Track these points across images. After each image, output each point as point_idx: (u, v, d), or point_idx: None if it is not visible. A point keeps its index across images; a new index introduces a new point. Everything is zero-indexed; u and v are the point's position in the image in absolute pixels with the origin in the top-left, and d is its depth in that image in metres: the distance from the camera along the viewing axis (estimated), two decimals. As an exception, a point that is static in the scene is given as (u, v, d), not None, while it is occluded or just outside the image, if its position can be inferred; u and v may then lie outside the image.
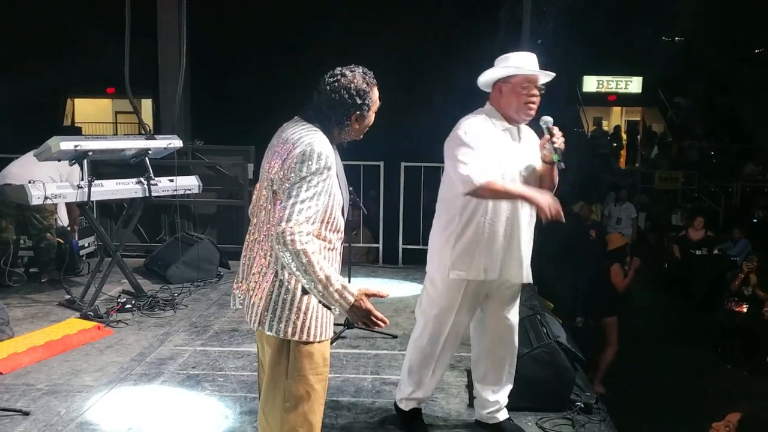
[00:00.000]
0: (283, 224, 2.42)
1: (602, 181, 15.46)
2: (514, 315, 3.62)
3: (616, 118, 25.55)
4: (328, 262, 2.61)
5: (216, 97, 13.66)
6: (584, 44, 18.43)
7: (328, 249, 2.62)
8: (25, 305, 6.09)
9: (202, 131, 9.53)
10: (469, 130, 3.26)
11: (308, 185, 2.46)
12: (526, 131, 3.47)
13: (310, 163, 2.47)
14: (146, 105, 18.42)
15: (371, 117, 2.71)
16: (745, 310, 9.01)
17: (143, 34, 8.48)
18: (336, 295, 2.45)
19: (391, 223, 8.29)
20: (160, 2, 8.59)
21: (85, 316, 5.55)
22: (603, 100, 23.57)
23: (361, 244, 8.50)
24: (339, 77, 2.62)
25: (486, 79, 3.40)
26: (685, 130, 20.66)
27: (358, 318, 2.52)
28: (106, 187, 5.96)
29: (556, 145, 3.25)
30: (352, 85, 2.61)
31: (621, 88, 23.22)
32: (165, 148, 6.35)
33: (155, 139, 6.31)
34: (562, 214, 3.10)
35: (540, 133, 3.37)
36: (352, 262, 6.44)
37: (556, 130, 3.28)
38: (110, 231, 7.50)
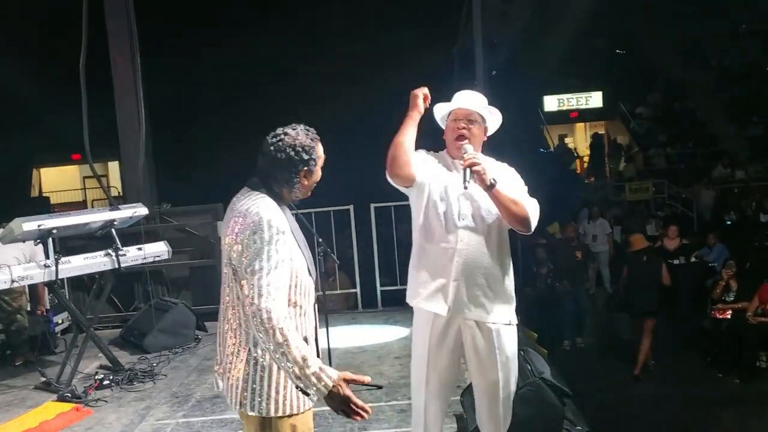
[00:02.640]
0: (256, 301, 2.36)
1: (572, 199, 15.49)
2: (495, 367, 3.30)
3: (581, 134, 25.78)
4: (300, 329, 2.56)
5: (180, 157, 13.59)
6: (540, 67, 18.68)
7: (300, 315, 2.58)
8: (-1, 393, 5.93)
9: (169, 192, 9.44)
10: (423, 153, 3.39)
11: (268, 256, 2.42)
12: (492, 166, 3.33)
13: (261, 233, 2.44)
14: (114, 167, 18.22)
15: (318, 172, 2.69)
16: (729, 316, 9.04)
17: (106, 94, 8.42)
18: (313, 379, 2.32)
19: (367, 266, 8.24)
20: (115, 70, 8.51)
21: (62, 398, 5.41)
22: (565, 117, 23.78)
23: (338, 291, 8.42)
24: (282, 136, 2.60)
25: (440, 122, 3.51)
26: (649, 139, 20.91)
27: (336, 406, 2.35)
28: (74, 263, 5.84)
29: (464, 166, 3.17)
30: (297, 142, 2.59)
31: (582, 104, 23.38)
32: (130, 218, 6.27)
33: (120, 209, 6.24)
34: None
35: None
36: (331, 310, 6.38)
37: (467, 155, 3.19)
38: (83, 303, 7.36)
